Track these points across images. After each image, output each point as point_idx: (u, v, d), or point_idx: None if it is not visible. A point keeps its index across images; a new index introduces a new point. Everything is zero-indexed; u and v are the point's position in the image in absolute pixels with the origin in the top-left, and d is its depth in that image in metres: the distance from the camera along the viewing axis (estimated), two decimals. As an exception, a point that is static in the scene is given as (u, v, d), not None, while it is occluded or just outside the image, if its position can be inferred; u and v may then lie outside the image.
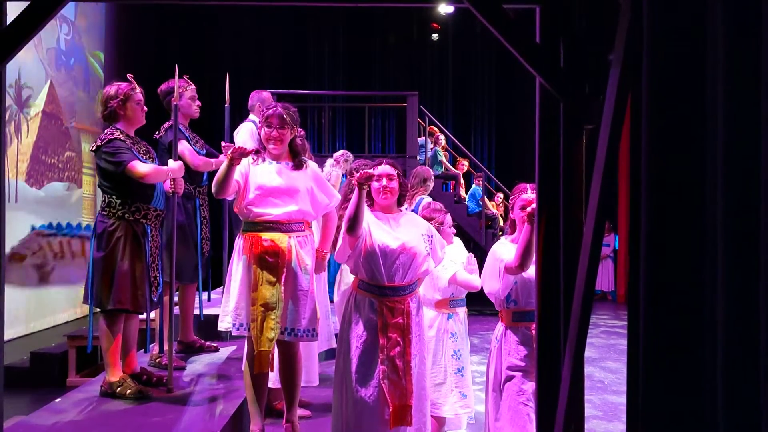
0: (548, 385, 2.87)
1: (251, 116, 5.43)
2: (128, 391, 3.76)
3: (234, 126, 5.42)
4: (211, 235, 4.74)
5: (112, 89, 3.85)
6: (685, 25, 1.59)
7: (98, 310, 3.79)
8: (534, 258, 3.12)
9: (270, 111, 3.65)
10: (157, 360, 4.41)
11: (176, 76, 4.04)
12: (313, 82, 13.75)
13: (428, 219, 3.81)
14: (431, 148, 11.13)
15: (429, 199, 5.78)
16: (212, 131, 10.51)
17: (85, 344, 5.52)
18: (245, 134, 5.21)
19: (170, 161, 3.92)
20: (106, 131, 3.81)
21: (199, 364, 4.61)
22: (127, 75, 3.98)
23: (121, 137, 3.77)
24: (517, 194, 3.51)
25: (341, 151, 7.58)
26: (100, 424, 3.39)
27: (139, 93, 3.88)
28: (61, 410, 3.63)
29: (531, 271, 3.27)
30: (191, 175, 4.44)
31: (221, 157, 4.45)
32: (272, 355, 3.55)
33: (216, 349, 4.90)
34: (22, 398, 5.42)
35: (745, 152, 1.35)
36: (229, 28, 13.15)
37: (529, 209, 3.27)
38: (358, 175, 3.25)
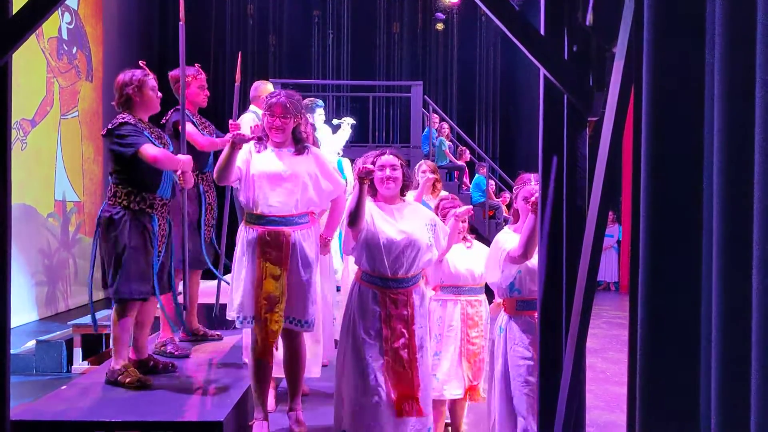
0: (550, 375, 2.90)
1: (252, 107, 5.42)
2: (128, 380, 3.72)
3: (242, 108, 5.41)
4: (216, 222, 4.73)
5: (126, 76, 3.83)
6: (685, 19, 1.61)
7: (100, 298, 3.80)
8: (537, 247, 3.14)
9: (273, 99, 3.60)
10: (162, 348, 4.43)
11: (182, 66, 4.04)
12: (317, 72, 13.72)
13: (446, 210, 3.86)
14: (436, 137, 11.11)
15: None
16: (217, 118, 10.48)
17: (90, 332, 5.58)
18: (246, 125, 5.20)
19: (179, 155, 3.92)
20: (117, 116, 3.80)
21: (203, 352, 4.63)
22: (140, 62, 3.98)
23: (133, 121, 3.76)
24: (521, 185, 3.52)
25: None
26: (105, 410, 3.41)
27: (152, 79, 3.88)
28: (67, 397, 3.66)
29: (536, 260, 3.28)
30: (195, 159, 4.42)
31: (227, 136, 4.45)
32: (275, 347, 3.57)
33: (220, 338, 4.92)
34: (28, 385, 5.47)
35: (741, 144, 1.37)
36: (233, 16, 13.12)
37: (533, 199, 3.27)
38: (358, 169, 3.25)
